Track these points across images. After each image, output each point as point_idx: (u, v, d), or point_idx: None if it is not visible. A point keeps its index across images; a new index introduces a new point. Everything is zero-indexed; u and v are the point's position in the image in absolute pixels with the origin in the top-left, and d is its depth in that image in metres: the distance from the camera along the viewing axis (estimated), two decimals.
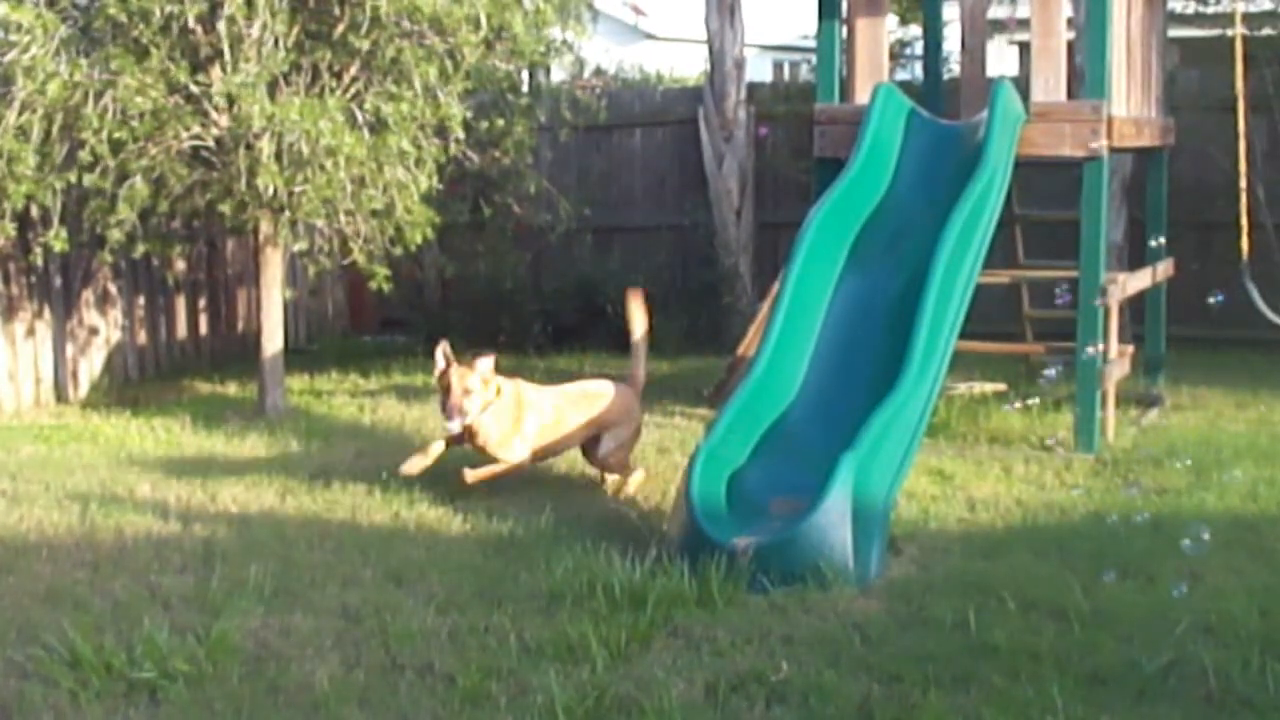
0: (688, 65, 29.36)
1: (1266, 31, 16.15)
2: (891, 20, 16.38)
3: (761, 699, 6.58)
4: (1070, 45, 12.36)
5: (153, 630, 7.17)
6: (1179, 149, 14.74)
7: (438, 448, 10.26)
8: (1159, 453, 11.05)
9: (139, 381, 15.62)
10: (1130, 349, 12.66)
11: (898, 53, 19.40)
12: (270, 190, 12.13)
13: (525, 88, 15.11)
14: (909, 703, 6.48)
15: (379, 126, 12.60)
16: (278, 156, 12.01)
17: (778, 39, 33.63)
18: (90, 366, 15.19)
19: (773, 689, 6.66)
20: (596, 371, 15.19)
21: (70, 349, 14.90)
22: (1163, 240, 13.73)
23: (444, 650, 7.23)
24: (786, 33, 32.34)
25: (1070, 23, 12.69)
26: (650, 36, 37.02)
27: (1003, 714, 6.21)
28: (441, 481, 10.63)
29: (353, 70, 12.78)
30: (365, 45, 12.42)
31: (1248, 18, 14.73)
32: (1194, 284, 14.96)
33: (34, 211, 12.89)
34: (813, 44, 12.74)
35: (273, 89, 12.24)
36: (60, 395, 14.79)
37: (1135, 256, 15.05)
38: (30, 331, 14.48)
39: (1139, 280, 12.89)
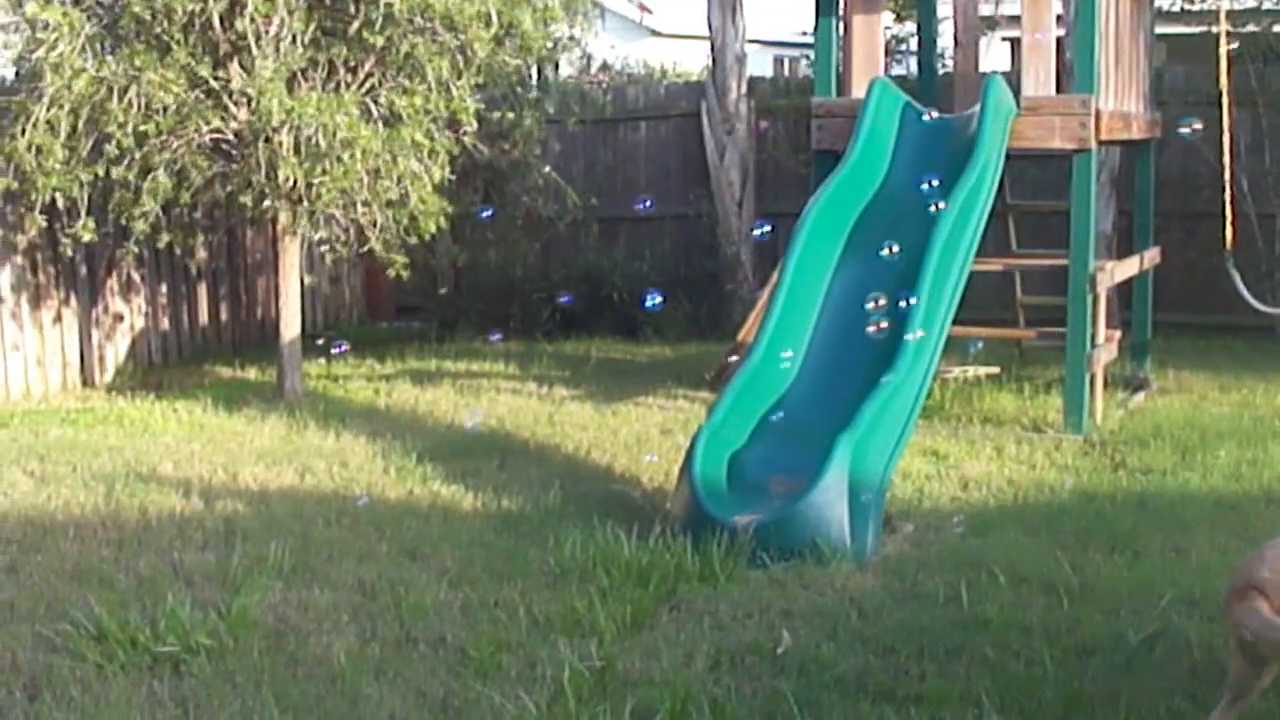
0: (691, 61, 29.36)
1: (1250, 28, 16.14)
2: (887, 17, 16.33)
3: (762, 670, 6.60)
4: (1060, 41, 12.34)
5: (176, 605, 7.18)
6: (1166, 142, 14.74)
7: None
8: (1145, 434, 11.06)
9: (162, 366, 15.62)
10: (1118, 334, 12.65)
11: (893, 48, 19.34)
12: (290, 182, 12.16)
13: (534, 82, 15.10)
14: (904, 674, 6.50)
15: (393, 120, 12.62)
16: (296, 149, 12.03)
17: (778, 35, 33.60)
18: (115, 352, 15.20)
19: (773, 661, 6.68)
20: (603, 356, 15.25)
21: (96, 335, 14.90)
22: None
23: (456, 624, 7.26)
24: (786, 29, 32.31)
25: (1060, 19, 12.67)
26: (655, 33, 37.00)
27: (994, 685, 6.22)
28: (453, 460, 10.67)
29: (368, 65, 12.78)
30: (379, 41, 12.42)
31: (1232, 15, 14.72)
32: (1180, 272, 15.00)
33: (60, 203, 12.92)
34: (811, 40, 12.72)
35: (291, 84, 12.25)
36: (86, 380, 14.80)
37: (1124, 245, 15.03)
38: (57, 319, 14.49)
39: (1127, 268, 12.88)
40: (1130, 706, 6.02)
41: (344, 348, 13.95)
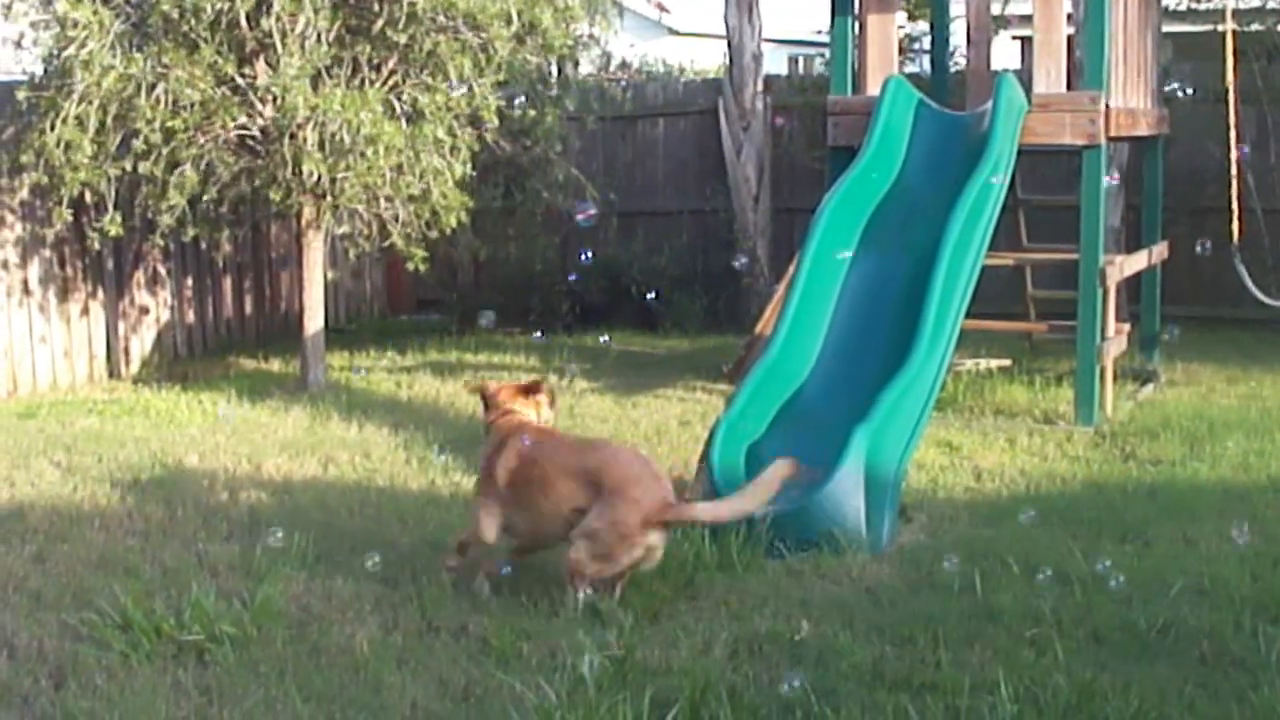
0: (708, 59, 29.29)
1: (1255, 27, 16.09)
2: (901, 16, 16.26)
3: (779, 659, 6.54)
4: (1070, 39, 12.30)
5: (200, 595, 7.11)
6: (1174, 138, 14.68)
7: None
8: (1155, 425, 11.00)
9: (187, 358, 15.59)
10: (1127, 327, 12.61)
11: (907, 47, 19.26)
12: (314, 177, 12.14)
13: (554, 80, 15.07)
14: (919, 662, 6.44)
15: (416, 116, 12.59)
16: (320, 145, 12.00)
17: (793, 34, 33.52)
18: (141, 344, 15.17)
19: (791, 649, 6.62)
20: (622, 346, 15.21)
21: (122, 327, 14.87)
22: None
23: (477, 613, 7.20)
24: (801, 28, 32.24)
25: (1070, 18, 12.62)
26: (673, 31, 36.95)
27: (1008, 673, 6.15)
28: (473, 451, 10.62)
29: (391, 63, 12.75)
30: (403, 39, 12.40)
31: (1237, 14, 14.68)
32: (1188, 266, 14.93)
33: (88, 198, 12.88)
34: (826, 38, 12.68)
35: (316, 81, 12.22)
36: (113, 371, 14.77)
37: (1132, 240, 14.98)
38: (85, 311, 14.47)
39: (1136, 262, 12.84)
40: (1141, 695, 5.97)
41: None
